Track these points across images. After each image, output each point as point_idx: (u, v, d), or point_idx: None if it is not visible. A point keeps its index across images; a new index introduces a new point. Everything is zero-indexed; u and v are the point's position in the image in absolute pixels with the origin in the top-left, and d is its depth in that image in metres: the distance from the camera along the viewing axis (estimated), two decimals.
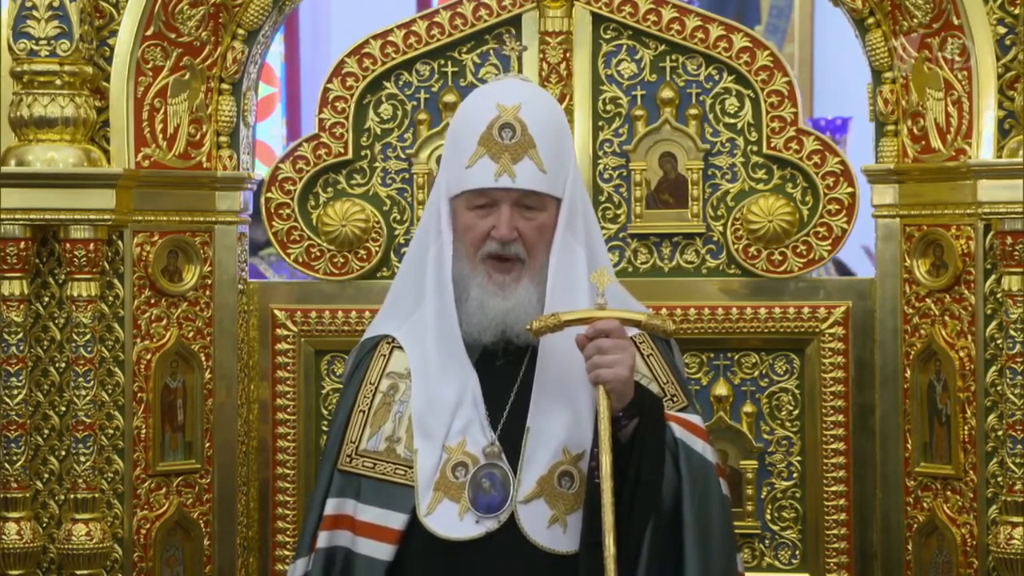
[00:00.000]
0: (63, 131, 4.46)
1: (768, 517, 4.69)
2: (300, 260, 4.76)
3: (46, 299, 4.58)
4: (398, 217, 4.74)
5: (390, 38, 4.73)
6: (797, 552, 4.70)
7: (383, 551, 3.57)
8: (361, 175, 4.77)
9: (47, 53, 4.43)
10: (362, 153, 4.76)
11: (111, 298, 4.58)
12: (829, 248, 4.63)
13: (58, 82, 4.44)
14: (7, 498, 4.51)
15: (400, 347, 3.70)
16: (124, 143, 4.53)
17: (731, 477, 4.63)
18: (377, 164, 4.75)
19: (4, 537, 4.48)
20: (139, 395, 4.59)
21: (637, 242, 4.70)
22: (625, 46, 4.70)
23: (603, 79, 4.69)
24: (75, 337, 4.49)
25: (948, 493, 4.49)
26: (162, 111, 4.60)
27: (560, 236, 3.60)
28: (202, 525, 4.70)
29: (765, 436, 4.68)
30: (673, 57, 4.68)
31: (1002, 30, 4.35)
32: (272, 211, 4.76)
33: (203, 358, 4.69)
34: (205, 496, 4.70)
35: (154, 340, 4.62)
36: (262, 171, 4.92)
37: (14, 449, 4.51)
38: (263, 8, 4.68)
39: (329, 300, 4.74)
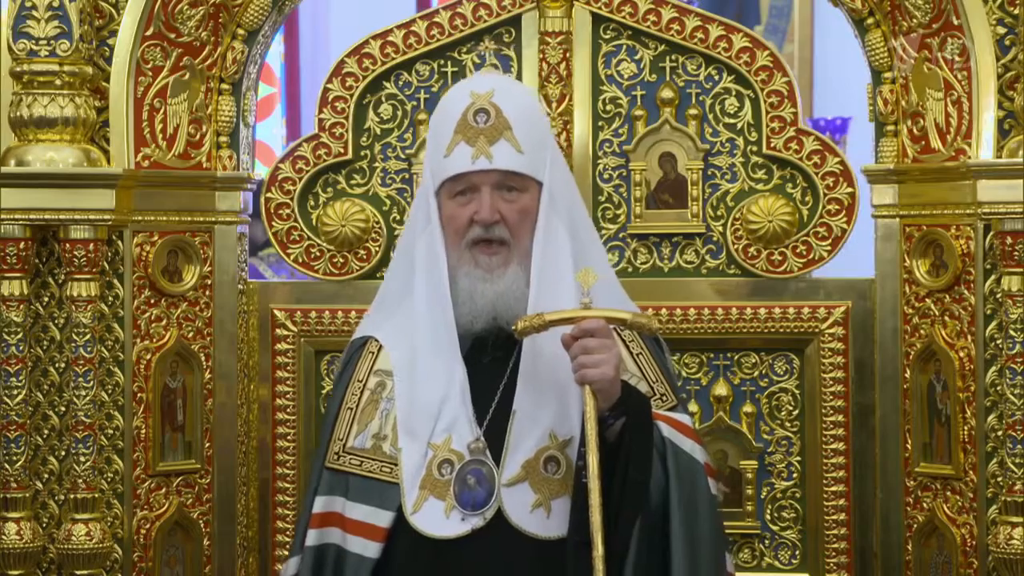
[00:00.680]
0: (63, 131, 4.46)
1: (768, 517, 4.69)
2: (300, 260, 4.76)
3: (46, 299, 4.58)
4: (398, 217, 4.74)
5: (390, 38, 4.73)
6: (797, 552, 4.70)
7: (371, 549, 3.57)
8: (361, 175, 4.77)
9: (47, 53, 4.43)
10: (362, 153, 4.76)
11: (111, 298, 4.58)
12: (829, 248, 4.63)
13: (58, 82, 4.44)
14: (7, 498, 4.51)
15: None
16: (124, 143, 4.53)
17: (731, 477, 4.65)
18: (377, 164, 4.75)
19: (4, 537, 4.48)
20: (139, 395, 4.59)
21: (637, 242, 4.70)
22: (625, 46, 4.70)
23: (603, 79, 4.69)
24: (75, 337, 4.49)
25: (948, 493, 4.49)
26: (162, 111, 4.60)
27: (543, 220, 3.59)
28: (202, 525, 4.70)
29: (765, 436, 4.68)
30: (673, 57, 4.68)
31: (1002, 30, 4.36)
32: (272, 211, 4.76)
33: (203, 358, 4.69)
34: (205, 496, 4.70)
35: (154, 340, 4.62)
36: (262, 171, 4.92)
37: (14, 449, 4.51)
38: (263, 8, 4.68)
39: (329, 300, 4.74)
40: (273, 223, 4.76)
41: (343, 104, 4.73)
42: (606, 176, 4.70)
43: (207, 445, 4.70)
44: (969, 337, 4.42)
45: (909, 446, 4.56)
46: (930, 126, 4.47)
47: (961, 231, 4.42)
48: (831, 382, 4.63)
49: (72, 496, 4.52)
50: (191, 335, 4.67)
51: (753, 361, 4.68)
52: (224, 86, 4.71)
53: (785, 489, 4.69)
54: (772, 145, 4.64)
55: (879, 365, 4.60)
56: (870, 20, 4.57)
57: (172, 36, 4.59)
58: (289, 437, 4.75)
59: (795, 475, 4.68)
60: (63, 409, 4.58)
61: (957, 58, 4.39)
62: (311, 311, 4.75)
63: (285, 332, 4.75)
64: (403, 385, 3.63)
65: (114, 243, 4.57)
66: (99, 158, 4.50)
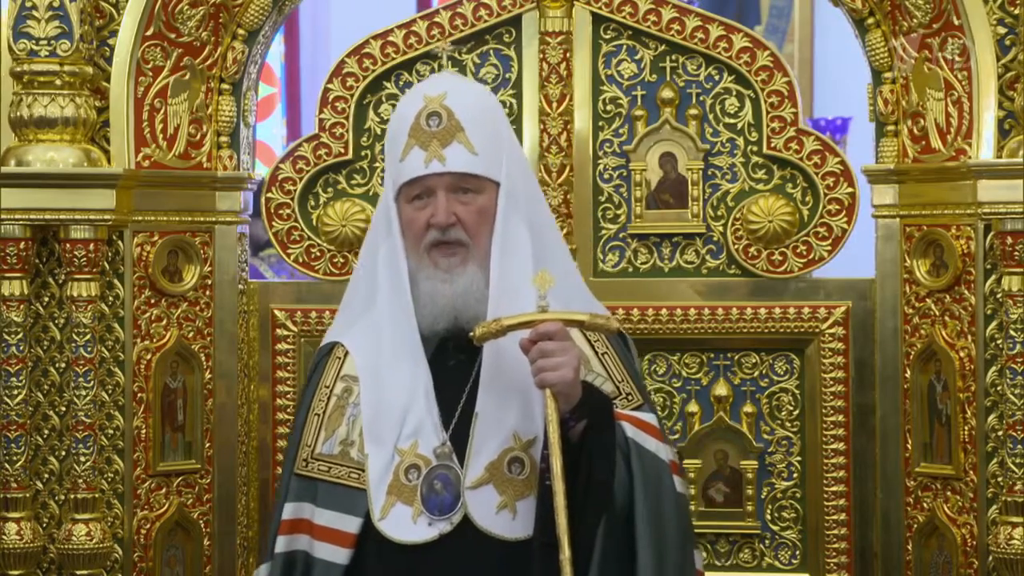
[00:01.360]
0: (63, 131, 4.46)
1: (768, 517, 4.69)
2: (300, 260, 4.76)
3: (46, 299, 4.58)
4: None
5: (390, 38, 4.73)
6: (797, 552, 4.70)
7: (339, 555, 3.57)
8: (361, 175, 4.77)
9: (47, 53, 4.43)
10: (362, 153, 4.77)
11: (111, 298, 4.58)
12: (829, 248, 4.63)
13: (58, 82, 4.44)
14: (7, 498, 4.51)
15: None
16: (124, 143, 4.53)
17: (731, 477, 4.65)
18: (377, 164, 4.75)
19: (4, 537, 4.48)
20: (139, 395, 4.59)
21: (637, 242, 4.70)
22: (625, 46, 4.70)
23: (603, 79, 4.69)
24: (75, 337, 4.49)
25: (948, 493, 4.49)
26: (162, 111, 4.60)
27: (501, 220, 3.59)
28: (202, 525, 4.70)
29: (765, 436, 4.68)
30: (673, 57, 4.68)
31: (1002, 30, 4.36)
32: (272, 211, 4.76)
33: (203, 358, 4.69)
34: (205, 496, 4.70)
35: (154, 340, 4.62)
36: (262, 171, 4.92)
37: (14, 449, 4.51)
38: (263, 8, 4.68)
39: (329, 300, 4.73)
40: (273, 223, 4.76)
41: (343, 104, 4.73)
42: (606, 176, 4.70)
43: (207, 445, 4.70)
44: (969, 337, 4.42)
45: (909, 446, 4.56)
46: (930, 126, 4.47)
47: (961, 231, 4.42)
48: (831, 382, 4.63)
49: (72, 496, 4.52)
50: (191, 335, 4.67)
51: (753, 361, 4.68)
52: (224, 86, 4.71)
53: (785, 489, 4.69)
54: (772, 145, 4.64)
55: (879, 365, 4.60)
56: (870, 20, 4.57)
57: (172, 36, 4.59)
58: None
59: (795, 475, 4.68)
60: (63, 409, 4.58)
61: (957, 58, 4.39)
62: (311, 311, 4.75)
63: (285, 332, 4.75)
64: (368, 391, 3.63)
65: (114, 243, 4.57)
66: (99, 158, 4.50)
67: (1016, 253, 4.29)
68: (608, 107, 4.69)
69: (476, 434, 3.54)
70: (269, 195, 4.76)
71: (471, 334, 3.48)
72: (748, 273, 4.66)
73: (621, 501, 3.51)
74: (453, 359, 3.61)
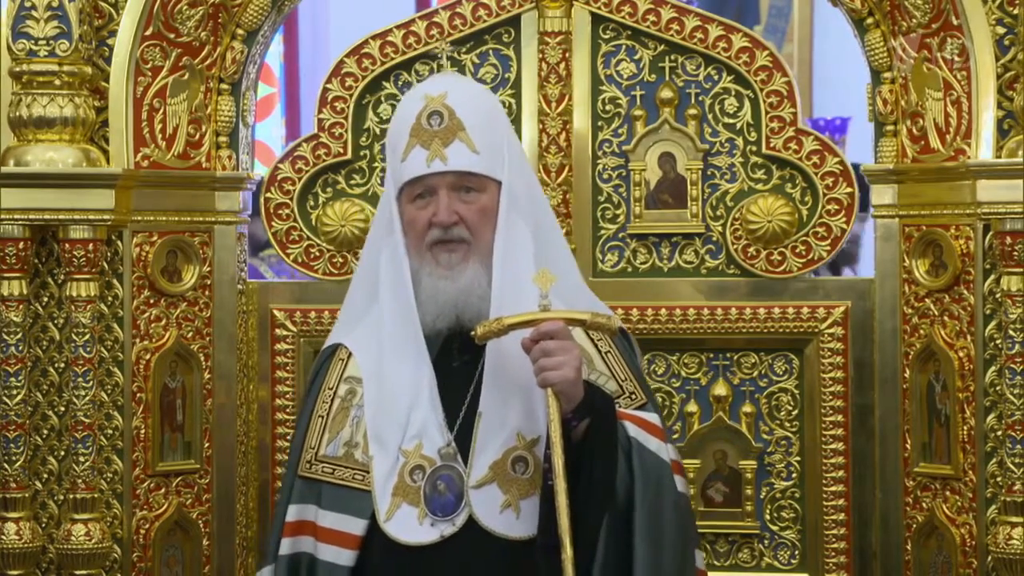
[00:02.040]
0: (62, 131, 4.46)
1: (767, 517, 4.69)
2: (299, 260, 4.76)
3: (45, 299, 4.58)
4: None
5: (389, 38, 4.73)
6: (796, 552, 4.70)
7: (344, 556, 3.56)
8: (360, 175, 4.77)
9: (46, 53, 4.43)
10: (361, 153, 4.77)
11: (110, 298, 4.58)
12: (828, 248, 4.63)
13: (57, 82, 4.44)
14: (6, 498, 4.51)
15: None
16: (123, 143, 4.53)
17: (730, 477, 4.65)
18: (376, 164, 4.76)
19: (3, 537, 4.48)
20: (138, 395, 4.59)
21: (636, 242, 4.70)
22: (624, 46, 4.70)
23: (602, 79, 4.69)
24: (74, 337, 4.49)
25: (947, 493, 4.49)
26: (161, 111, 4.60)
27: (503, 219, 3.59)
28: (201, 525, 4.70)
29: (764, 436, 4.68)
30: (672, 57, 4.68)
31: (1001, 30, 4.35)
32: (271, 211, 4.76)
33: (202, 358, 4.69)
34: (204, 496, 4.70)
35: (153, 340, 4.62)
36: (261, 171, 4.92)
37: (13, 449, 4.51)
38: (262, 8, 4.68)
39: (329, 300, 4.73)
40: (273, 223, 4.76)
41: (343, 104, 4.73)
42: (606, 176, 4.70)
43: (206, 445, 4.70)
44: (968, 337, 4.42)
45: (908, 446, 4.56)
46: (929, 126, 4.47)
47: (961, 231, 4.42)
48: (830, 382, 4.63)
49: (71, 496, 4.52)
50: (190, 335, 4.67)
51: (752, 361, 4.68)
52: (223, 86, 4.71)
53: (785, 489, 4.69)
54: (771, 145, 4.64)
55: (878, 365, 4.60)
56: (870, 20, 4.57)
57: (171, 36, 4.59)
58: (288, 437, 4.73)
59: (794, 475, 4.68)
60: (63, 409, 4.58)
61: (956, 58, 4.39)
62: (311, 311, 4.75)
63: (285, 332, 4.75)
64: (372, 392, 3.62)
65: (113, 243, 4.57)
66: (98, 158, 4.50)
67: (1015, 253, 4.29)
68: (607, 107, 4.69)
69: (479, 433, 3.54)
70: (268, 195, 4.76)
71: (472, 333, 3.48)
72: (747, 273, 4.66)
73: (623, 500, 3.51)
74: (457, 360, 3.61)
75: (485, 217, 3.58)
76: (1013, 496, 4.32)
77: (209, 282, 4.70)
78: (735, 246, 4.64)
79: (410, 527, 3.53)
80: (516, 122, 4.66)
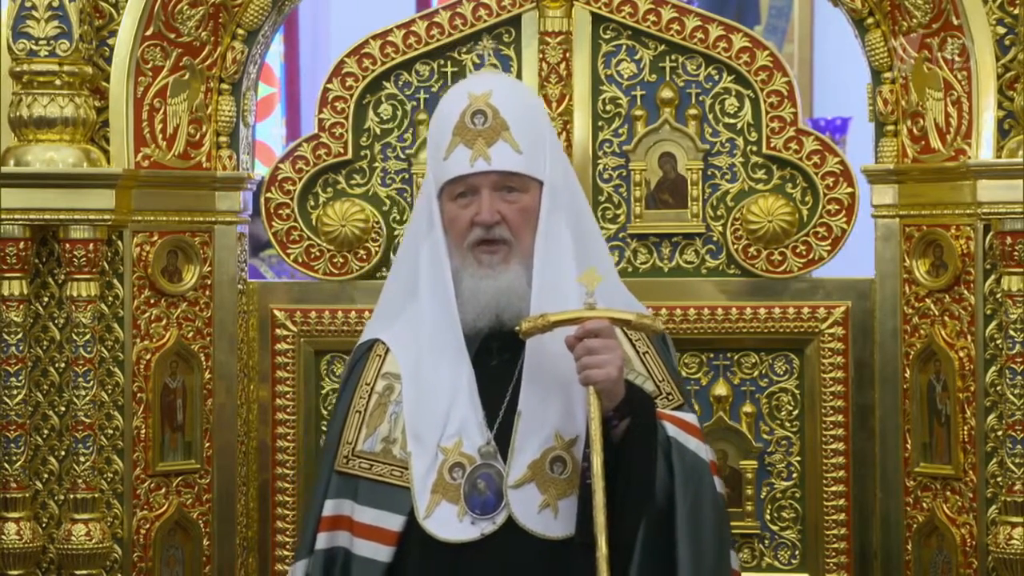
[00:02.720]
0: (63, 131, 4.46)
1: (768, 517, 4.69)
2: (300, 260, 4.76)
3: (46, 299, 4.58)
4: (398, 217, 4.74)
5: (390, 38, 4.73)
6: (797, 552, 4.70)
7: (382, 552, 3.57)
8: (361, 175, 4.77)
9: (47, 53, 4.43)
10: (362, 153, 4.77)
11: (111, 298, 4.58)
12: (829, 248, 4.63)
13: (58, 82, 4.44)
14: (7, 498, 4.51)
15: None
16: (124, 143, 4.53)
17: (731, 477, 4.65)
18: (377, 164, 4.76)
19: (4, 537, 4.48)
20: (139, 395, 4.59)
21: (637, 242, 4.70)
22: (625, 46, 4.70)
23: (603, 79, 4.69)
24: (75, 337, 4.49)
25: (948, 493, 4.49)
26: (162, 111, 4.60)
27: (544, 219, 3.59)
28: (202, 525, 4.70)
29: (765, 436, 4.68)
30: (673, 57, 4.68)
31: (1002, 30, 4.36)
32: (272, 211, 4.76)
33: (203, 358, 4.69)
34: (205, 496, 4.70)
35: (154, 340, 4.62)
36: (262, 171, 4.92)
37: (14, 449, 4.51)
38: (263, 8, 4.68)
39: (329, 300, 4.74)
40: (273, 223, 4.76)
41: (343, 104, 4.73)
42: (606, 176, 4.70)
43: (207, 445, 4.70)
44: (969, 337, 4.42)
45: (909, 446, 4.56)
46: (930, 126, 4.48)
47: (961, 231, 4.42)
48: (831, 382, 4.63)
49: (72, 496, 4.52)
50: (191, 335, 4.67)
51: (753, 361, 4.68)
52: (224, 86, 4.71)
53: (785, 489, 4.69)
54: (772, 145, 4.64)
55: (879, 365, 4.60)
56: (870, 20, 4.57)
57: (172, 36, 4.59)
58: (289, 437, 4.75)
59: (795, 475, 4.68)
60: (63, 409, 4.58)
61: (957, 58, 4.39)
62: (311, 311, 4.75)
63: (285, 332, 4.75)
64: (410, 389, 3.62)
65: (114, 243, 4.57)
66: (99, 158, 4.50)
67: (1016, 253, 4.29)
68: (608, 107, 4.69)
69: (519, 432, 3.54)
70: (269, 195, 4.76)
71: (517, 328, 3.48)
72: (748, 273, 4.66)
73: (661, 501, 3.52)
74: (496, 359, 3.61)
75: (527, 217, 3.59)
76: (1013, 496, 4.32)
77: (209, 282, 4.70)
78: (735, 246, 4.64)
79: (450, 524, 3.53)
80: None
